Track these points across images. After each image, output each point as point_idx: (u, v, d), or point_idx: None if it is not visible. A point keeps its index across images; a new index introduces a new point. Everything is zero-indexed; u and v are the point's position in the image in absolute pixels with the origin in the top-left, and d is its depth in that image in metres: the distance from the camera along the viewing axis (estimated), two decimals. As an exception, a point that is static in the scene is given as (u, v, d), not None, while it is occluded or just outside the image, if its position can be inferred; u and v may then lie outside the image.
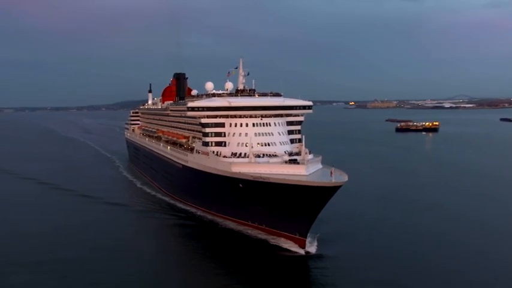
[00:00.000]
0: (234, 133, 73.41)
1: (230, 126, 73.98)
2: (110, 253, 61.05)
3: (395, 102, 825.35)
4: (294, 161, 65.57)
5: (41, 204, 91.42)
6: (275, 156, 68.79)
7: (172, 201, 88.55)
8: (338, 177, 58.37)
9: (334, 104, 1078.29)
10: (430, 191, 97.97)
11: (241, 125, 73.38)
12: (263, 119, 73.97)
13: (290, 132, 77.14)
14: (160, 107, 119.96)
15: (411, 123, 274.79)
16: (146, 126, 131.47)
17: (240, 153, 70.62)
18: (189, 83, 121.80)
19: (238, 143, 72.20)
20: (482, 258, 58.37)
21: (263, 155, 69.29)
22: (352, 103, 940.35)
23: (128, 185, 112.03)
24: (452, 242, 64.09)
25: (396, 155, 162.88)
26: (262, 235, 65.52)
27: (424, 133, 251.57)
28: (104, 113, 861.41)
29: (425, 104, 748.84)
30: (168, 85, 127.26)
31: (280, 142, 73.19)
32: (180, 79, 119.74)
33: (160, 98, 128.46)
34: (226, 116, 74.06)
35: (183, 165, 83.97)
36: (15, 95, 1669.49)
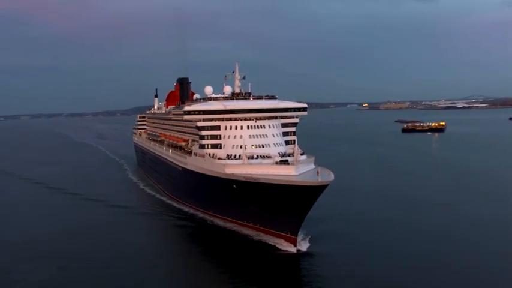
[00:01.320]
0: (229, 135, 75.31)
1: (226, 129, 75.90)
2: (109, 252, 63.54)
3: (408, 103, 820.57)
4: (285, 162, 67.39)
5: (47, 207, 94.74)
6: (269, 157, 70.57)
7: (174, 203, 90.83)
8: (325, 176, 60.03)
9: (348, 105, 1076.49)
10: (423, 189, 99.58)
11: (236, 128, 75.25)
12: (257, 121, 75.71)
13: (285, 134, 78.69)
14: (164, 112, 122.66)
15: (418, 124, 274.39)
16: (152, 131, 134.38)
17: (235, 155, 72.47)
18: (194, 88, 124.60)
19: (233, 145, 74.10)
20: (470, 252, 60.02)
21: (257, 156, 71.13)
22: (366, 105, 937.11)
23: (133, 188, 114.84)
24: (444, 238, 65.48)
25: (397, 155, 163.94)
26: (257, 234, 67.26)
27: (429, 133, 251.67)
28: (118, 118, 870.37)
29: (438, 104, 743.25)
30: (172, 90, 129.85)
31: (274, 144, 74.79)
32: (183, 84, 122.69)
33: (165, 102, 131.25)
34: (222, 119, 75.99)
35: (182, 167, 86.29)
36: (31, 102, 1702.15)
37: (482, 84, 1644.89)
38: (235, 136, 74.90)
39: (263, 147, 73.64)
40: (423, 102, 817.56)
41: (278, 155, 72.15)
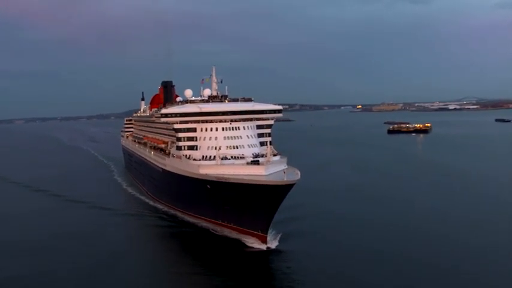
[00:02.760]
0: (205, 137, 77.36)
1: (201, 130, 77.93)
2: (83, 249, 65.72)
3: (401, 105, 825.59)
4: (256, 162, 69.48)
5: (29, 208, 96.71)
6: (242, 158, 72.63)
7: (155, 204, 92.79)
8: (291, 176, 62.23)
9: (342, 107, 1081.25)
10: (393, 187, 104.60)
11: (211, 130, 77.34)
12: (232, 123, 77.78)
13: (260, 135, 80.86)
14: (147, 115, 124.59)
15: (404, 126, 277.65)
16: (137, 133, 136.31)
17: (210, 156, 74.52)
18: (179, 91, 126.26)
19: (209, 147, 76.17)
20: (436, 245, 63.02)
21: (231, 157, 73.21)
22: (359, 106, 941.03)
23: (117, 189, 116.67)
24: (411, 234, 68.31)
25: (376, 155, 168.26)
26: (231, 233, 69.33)
27: (413, 134, 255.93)
28: (112, 121, 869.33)
29: (431, 106, 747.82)
30: (156, 93, 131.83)
31: (248, 145, 76.84)
32: (167, 87, 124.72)
33: (149, 105, 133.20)
34: (198, 121, 78.05)
35: (162, 169, 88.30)
36: (26, 106, 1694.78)
37: (475, 87, 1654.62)
38: (210, 138, 76.93)
39: (237, 148, 75.66)
40: (416, 104, 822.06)
41: (252, 155, 74.24)
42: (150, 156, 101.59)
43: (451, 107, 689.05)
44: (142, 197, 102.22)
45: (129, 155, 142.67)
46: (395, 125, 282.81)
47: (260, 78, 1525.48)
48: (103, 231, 76.50)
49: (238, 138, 77.03)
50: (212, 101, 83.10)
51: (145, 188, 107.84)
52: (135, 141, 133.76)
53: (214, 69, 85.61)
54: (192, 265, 60.60)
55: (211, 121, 77.82)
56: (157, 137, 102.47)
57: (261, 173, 64.80)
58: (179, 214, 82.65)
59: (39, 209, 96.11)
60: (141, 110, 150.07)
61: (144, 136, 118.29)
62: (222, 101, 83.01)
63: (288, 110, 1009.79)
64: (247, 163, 69.82)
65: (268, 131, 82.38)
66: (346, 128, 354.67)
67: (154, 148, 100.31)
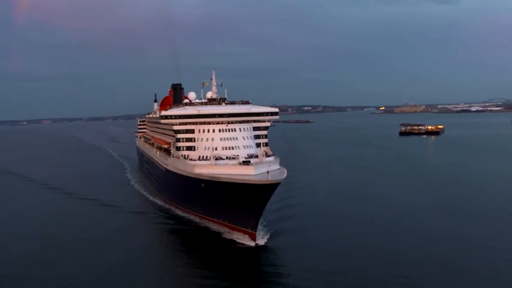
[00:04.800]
0: (202, 138, 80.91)
1: (199, 132, 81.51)
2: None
3: (424, 106, 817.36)
4: (247, 163, 72.58)
5: (39, 201, 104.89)
6: (235, 158, 75.78)
7: (159, 202, 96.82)
8: (275, 176, 65.31)
9: (366, 109, 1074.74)
10: (389, 187, 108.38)
11: (208, 131, 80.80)
12: (229, 125, 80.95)
13: (256, 136, 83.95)
14: (156, 116, 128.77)
15: (416, 127, 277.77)
16: (148, 134, 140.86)
17: (206, 157, 78.07)
18: (188, 93, 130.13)
19: (205, 147, 79.69)
20: (416, 239, 66.94)
21: (226, 157, 76.50)
22: (383, 108, 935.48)
23: (128, 188, 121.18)
24: (392, 228, 72.18)
25: (382, 156, 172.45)
26: (225, 230, 72.67)
27: (424, 136, 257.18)
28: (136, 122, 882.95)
29: (453, 108, 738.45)
30: (166, 95, 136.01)
31: (244, 146, 79.88)
32: (176, 89, 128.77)
33: (159, 107, 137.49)
34: (196, 123, 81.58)
35: (165, 168, 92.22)
36: (54, 106, 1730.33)
37: (503, 87, 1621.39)
38: (207, 139, 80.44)
39: (233, 149, 78.85)
40: (439, 106, 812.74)
41: (247, 156, 77.38)
42: (156, 156, 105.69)
43: (473, 108, 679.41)
44: (147, 195, 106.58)
45: (141, 155, 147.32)
46: (408, 127, 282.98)
47: (282, 80, 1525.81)
48: (102, 225, 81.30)
49: (234, 139, 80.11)
50: (211, 104, 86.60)
51: (153, 186, 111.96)
52: (146, 141, 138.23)
53: (214, 72, 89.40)
54: (183, 260, 64.26)
55: (208, 123, 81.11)
56: (162, 138, 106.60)
57: (250, 173, 67.88)
58: (178, 211, 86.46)
59: (43, 202, 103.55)
60: (153, 112, 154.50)
61: (152, 137, 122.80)
62: (220, 104, 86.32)
63: (310, 111, 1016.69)
64: (239, 163, 72.91)
65: (264, 132, 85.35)
66: (360, 129, 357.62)
67: (160, 148, 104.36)
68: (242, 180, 65.12)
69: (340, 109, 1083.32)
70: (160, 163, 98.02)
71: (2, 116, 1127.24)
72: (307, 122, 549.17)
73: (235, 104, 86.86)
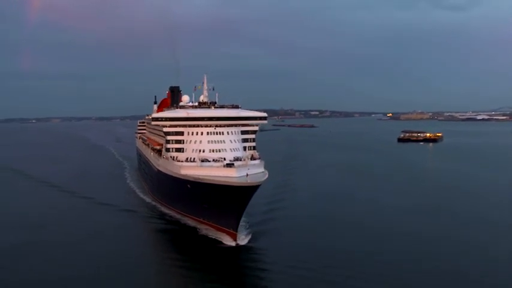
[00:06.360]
0: (191, 140, 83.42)
1: (188, 134, 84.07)
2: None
3: (430, 114, 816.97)
4: (230, 165, 75.01)
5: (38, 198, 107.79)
6: (220, 161, 78.29)
7: (151, 201, 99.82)
8: (254, 178, 67.83)
9: (373, 115, 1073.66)
10: (375, 191, 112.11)
11: (196, 134, 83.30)
12: (217, 128, 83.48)
13: (245, 140, 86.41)
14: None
15: (415, 134, 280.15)
16: (145, 135, 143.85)
17: (193, 158, 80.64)
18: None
19: (193, 150, 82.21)
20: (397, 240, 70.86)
21: (212, 159, 79.04)
22: (390, 115, 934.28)
23: (124, 187, 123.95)
24: (383, 235, 73.90)
25: (374, 161, 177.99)
26: (209, 230, 75.05)
27: (422, 143, 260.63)
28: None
29: (459, 116, 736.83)
30: (164, 97, 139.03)
31: (231, 149, 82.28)
32: (174, 92, 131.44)
33: (156, 109, 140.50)
34: (185, 126, 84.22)
35: (157, 169, 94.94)
36: (63, 106, 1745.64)
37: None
38: (195, 141, 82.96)
39: (220, 151, 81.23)
40: (445, 114, 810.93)
41: (233, 159, 79.84)
42: (150, 156, 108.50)
43: (479, 117, 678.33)
44: (141, 194, 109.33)
45: (139, 156, 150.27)
46: (407, 134, 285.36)
47: (289, 83, 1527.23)
48: (90, 222, 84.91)
49: (221, 142, 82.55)
50: (201, 107, 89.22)
51: (147, 186, 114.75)
52: (143, 142, 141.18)
53: (205, 77, 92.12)
54: (163, 258, 67.05)
55: (197, 126, 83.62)
56: (156, 139, 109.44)
57: (232, 175, 70.30)
58: (167, 211, 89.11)
59: (42, 198, 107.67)
60: (152, 113, 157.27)
61: (148, 138, 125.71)
62: (209, 107, 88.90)
63: (318, 116, 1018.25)
64: (223, 166, 75.37)
65: (252, 136, 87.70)
66: (361, 135, 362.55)
67: (153, 149, 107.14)
68: (222, 182, 67.59)
69: (348, 114, 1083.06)
70: (153, 164, 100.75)
71: (12, 114, 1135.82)
72: (312, 126, 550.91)
73: (224, 108, 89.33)
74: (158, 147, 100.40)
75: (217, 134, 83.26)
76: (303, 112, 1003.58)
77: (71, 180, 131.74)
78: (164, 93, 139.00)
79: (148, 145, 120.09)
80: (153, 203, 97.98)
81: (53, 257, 65.25)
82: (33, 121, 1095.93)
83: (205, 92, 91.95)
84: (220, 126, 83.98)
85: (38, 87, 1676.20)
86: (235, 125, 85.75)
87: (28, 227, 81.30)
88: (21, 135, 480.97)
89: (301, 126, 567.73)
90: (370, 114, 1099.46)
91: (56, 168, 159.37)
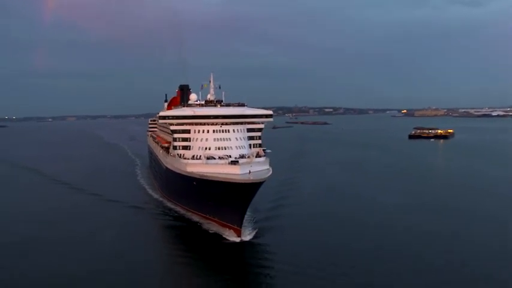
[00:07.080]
0: (197, 138, 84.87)
1: (195, 132, 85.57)
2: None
3: (445, 110, 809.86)
4: (235, 162, 76.32)
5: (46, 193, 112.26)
6: (225, 158, 79.56)
7: (160, 198, 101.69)
8: (256, 175, 69.12)
9: (388, 112, 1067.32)
10: (372, 186, 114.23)
11: (203, 132, 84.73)
12: (223, 126, 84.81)
13: (250, 137, 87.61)
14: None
15: (426, 131, 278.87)
16: (156, 133, 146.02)
17: (199, 156, 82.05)
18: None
19: (199, 147, 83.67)
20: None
21: (218, 157, 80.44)
22: (404, 111, 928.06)
23: (135, 184, 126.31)
24: (380, 232, 74.46)
25: (385, 157, 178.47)
26: (214, 226, 76.49)
27: (432, 140, 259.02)
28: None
29: (475, 112, 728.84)
30: (174, 96, 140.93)
31: (236, 146, 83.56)
32: (183, 90, 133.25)
33: (166, 107, 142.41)
34: (192, 124, 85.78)
35: (165, 166, 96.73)
36: (78, 104, 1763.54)
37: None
38: (201, 139, 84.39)
39: (225, 149, 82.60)
40: (460, 110, 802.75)
41: (238, 156, 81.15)
42: (159, 154, 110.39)
43: (494, 113, 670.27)
44: (150, 191, 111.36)
45: (150, 153, 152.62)
46: (418, 130, 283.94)
47: (304, 82, 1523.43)
48: (100, 216, 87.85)
49: (227, 140, 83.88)
50: (207, 105, 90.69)
51: (157, 183, 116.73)
52: (153, 140, 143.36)
53: (212, 75, 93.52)
54: (169, 252, 68.80)
55: (204, 124, 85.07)
56: (164, 137, 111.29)
57: (236, 172, 71.55)
58: (176, 207, 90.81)
59: (53, 195, 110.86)
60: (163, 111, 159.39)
61: (157, 136, 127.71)
62: (215, 105, 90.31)
63: (332, 113, 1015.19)
64: (228, 163, 76.73)
65: (258, 134, 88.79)
66: (373, 132, 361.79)
67: (162, 147, 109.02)
68: (226, 179, 68.98)
69: (362, 111, 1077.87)
70: (162, 161, 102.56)
71: (29, 113, 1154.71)
72: (325, 123, 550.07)
73: (230, 106, 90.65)
74: (166, 145, 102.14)
75: (223, 131, 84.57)
76: (317, 109, 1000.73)
77: (83, 178, 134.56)
78: (175, 92, 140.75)
79: (157, 143, 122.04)
80: (162, 199, 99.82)
81: (62, 252, 67.26)
82: (50, 119, 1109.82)
83: (212, 91, 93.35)
84: (226, 124, 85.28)
85: (53, 85, 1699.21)
86: (241, 123, 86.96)
87: (38, 222, 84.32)
88: (37, 133, 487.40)
89: (314, 123, 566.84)
90: (384, 111, 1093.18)
91: (68, 167, 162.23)
